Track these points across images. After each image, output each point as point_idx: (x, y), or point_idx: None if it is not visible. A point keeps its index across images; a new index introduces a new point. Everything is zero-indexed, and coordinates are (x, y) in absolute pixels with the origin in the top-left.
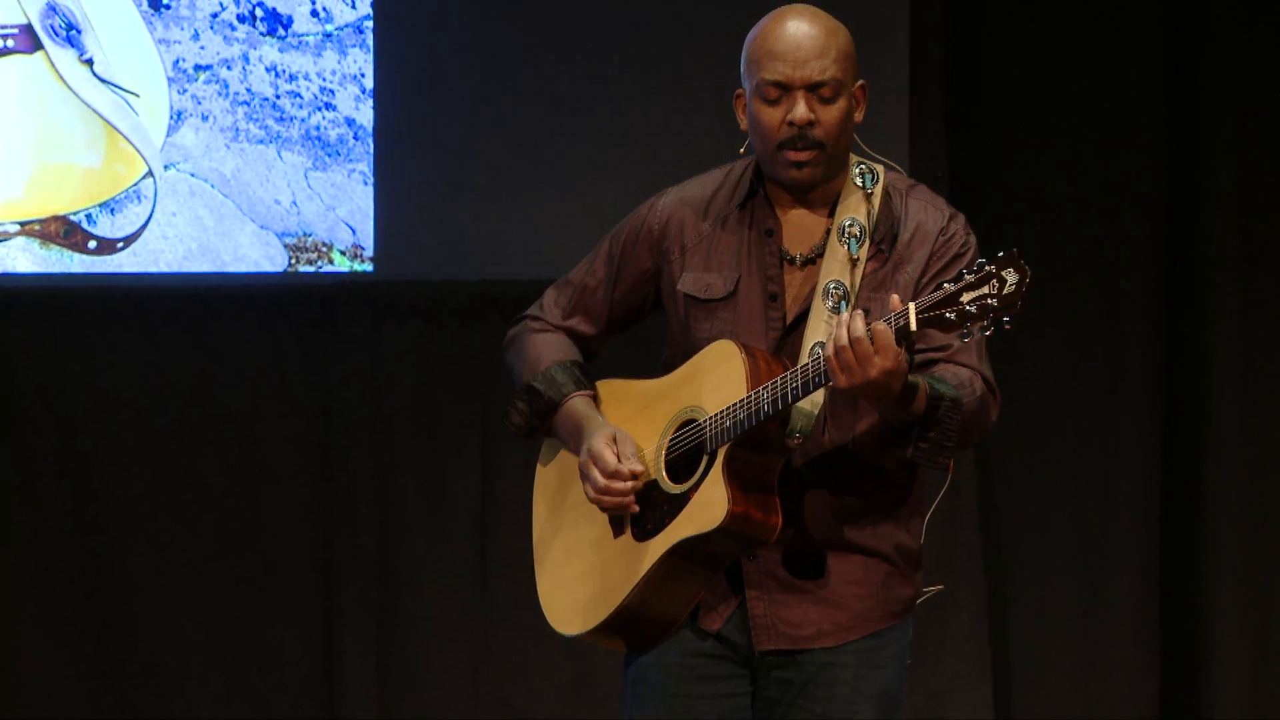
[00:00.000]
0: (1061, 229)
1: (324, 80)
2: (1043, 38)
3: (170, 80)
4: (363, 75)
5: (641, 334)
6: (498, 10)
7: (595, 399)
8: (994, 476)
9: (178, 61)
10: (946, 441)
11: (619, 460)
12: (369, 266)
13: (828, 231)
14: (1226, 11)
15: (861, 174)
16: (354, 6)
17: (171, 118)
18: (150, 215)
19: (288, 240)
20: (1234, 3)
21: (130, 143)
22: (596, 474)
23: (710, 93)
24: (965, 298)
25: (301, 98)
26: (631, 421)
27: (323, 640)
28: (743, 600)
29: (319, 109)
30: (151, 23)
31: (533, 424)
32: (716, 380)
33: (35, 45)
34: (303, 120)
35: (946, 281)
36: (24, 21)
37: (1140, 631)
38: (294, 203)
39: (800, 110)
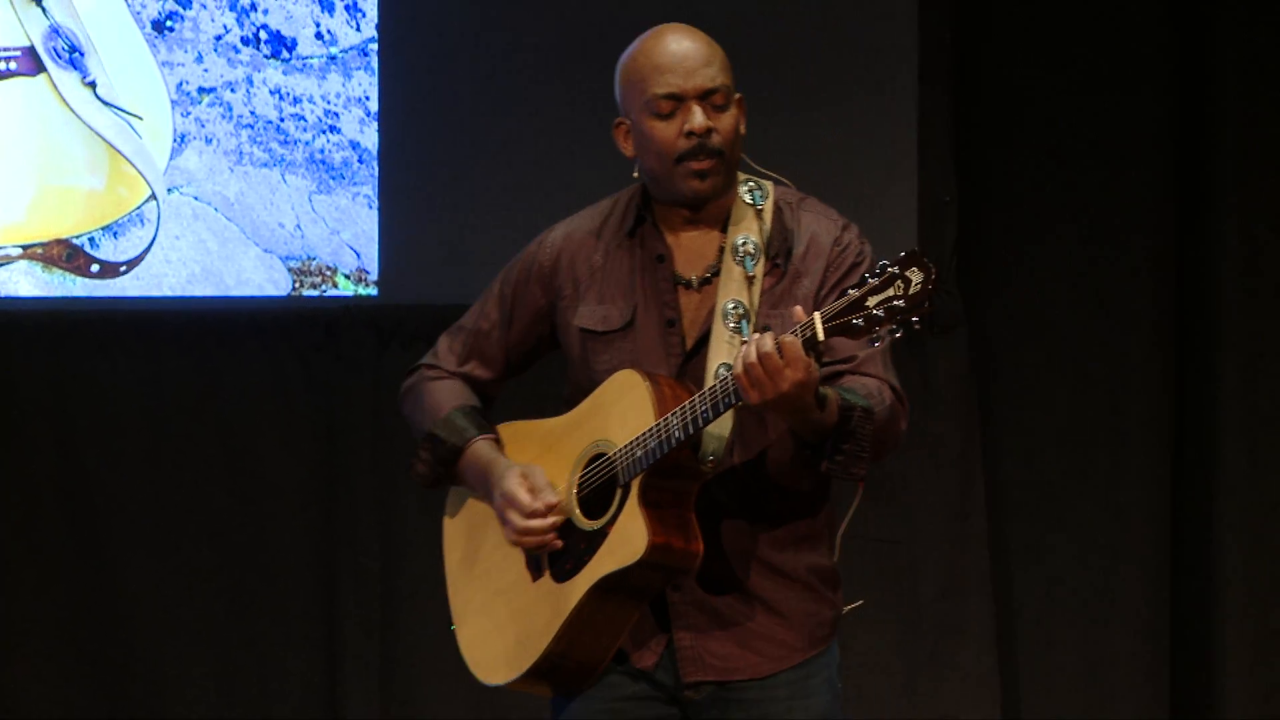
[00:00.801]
0: (1070, 250)
1: (328, 103)
2: (1050, 60)
3: (174, 103)
4: (367, 98)
5: (543, 372)
6: (504, 32)
7: (498, 442)
8: (1004, 504)
9: (181, 84)
10: (861, 452)
11: (533, 496)
12: (373, 290)
13: (721, 250)
14: (1233, 32)
15: (750, 190)
16: (359, 29)
17: (175, 140)
18: (153, 239)
19: (291, 264)
20: (1241, 25)
21: (133, 165)
22: (515, 515)
23: None
24: (870, 302)
25: (306, 121)
26: (538, 461)
27: (325, 660)
28: (671, 635)
29: (323, 132)
30: (155, 45)
31: (437, 472)
32: (622, 411)
33: (38, 68)
34: (307, 143)
35: (850, 288)
36: (27, 44)
37: (1151, 666)
38: (298, 226)
39: (699, 118)
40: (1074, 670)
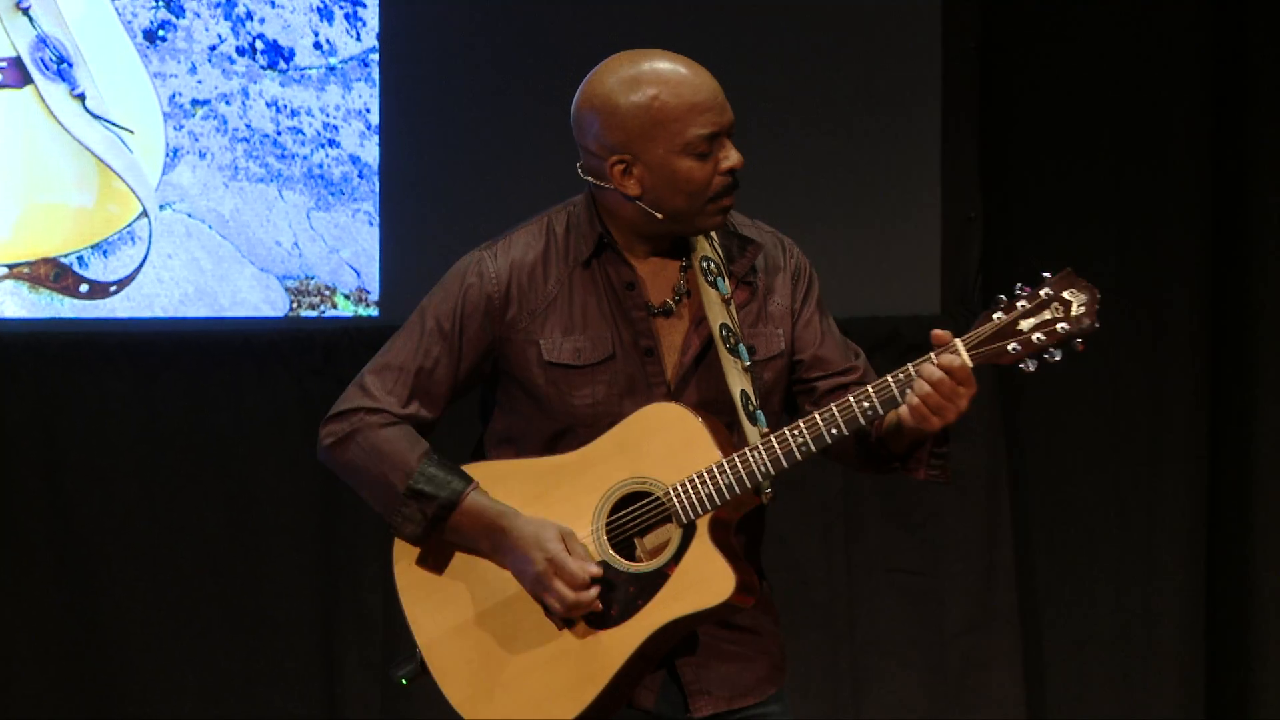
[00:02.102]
0: (1101, 268)
1: (327, 116)
2: (1079, 71)
3: (166, 116)
4: (368, 110)
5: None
6: (511, 41)
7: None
8: (1032, 532)
9: (174, 96)
10: (950, 452)
11: (584, 567)
12: (374, 311)
13: (681, 270)
14: (1271, 42)
15: None
16: (359, 39)
17: (167, 155)
18: (145, 257)
19: (289, 284)
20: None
21: (124, 181)
22: (564, 589)
23: None
24: (1024, 325)
25: (304, 134)
26: (540, 502)
27: (325, 702)
28: (671, 669)
29: (322, 146)
30: (147, 56)
31: (428, 531)
32: (668, 446)
33: (25, 79)
34: (305, 158)
35: (996, 312)
36: (13, 55)
37: (1187, 702)
38: (295, 244)
39: (735, 155)
40: (1106, 707)
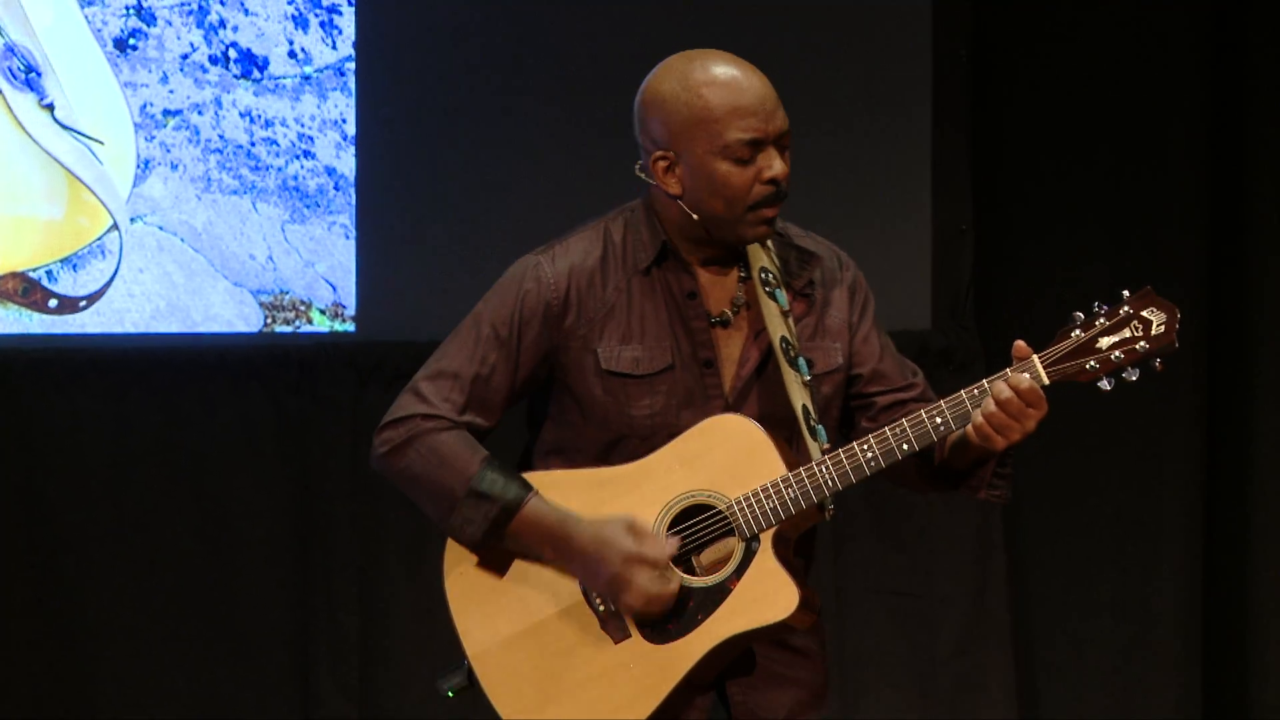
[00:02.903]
0: (1096, 282)
1: (302, 126)
2: (1074, 80)
3: (137, 126)
4: (344, 121)
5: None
6: (491, 49)
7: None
8: (1023, 554)
9: (145, 106)
10: (1011, 472)
11: (659, 548)
12: (351, 326)
13: (741, 280)
14: (1270, 53)
15: None
16: (334, 47)
17: (138, 167)
18: (115, 272)
19: (263, 298)
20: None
21: (94, 194)
22: (645, 581)
23: None
24: (1103, 343)
25: (278, 145)
26: (599, 513)
27: None
28: (721, 690)
29: (297, 157)
30: (117, 65)
31: (489, 534)
32: (731, 459)
33: None
34: (279, 169)
35: (1075, 329)
36: None
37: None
38: (270, 258)
39: (779, 165)
40: None
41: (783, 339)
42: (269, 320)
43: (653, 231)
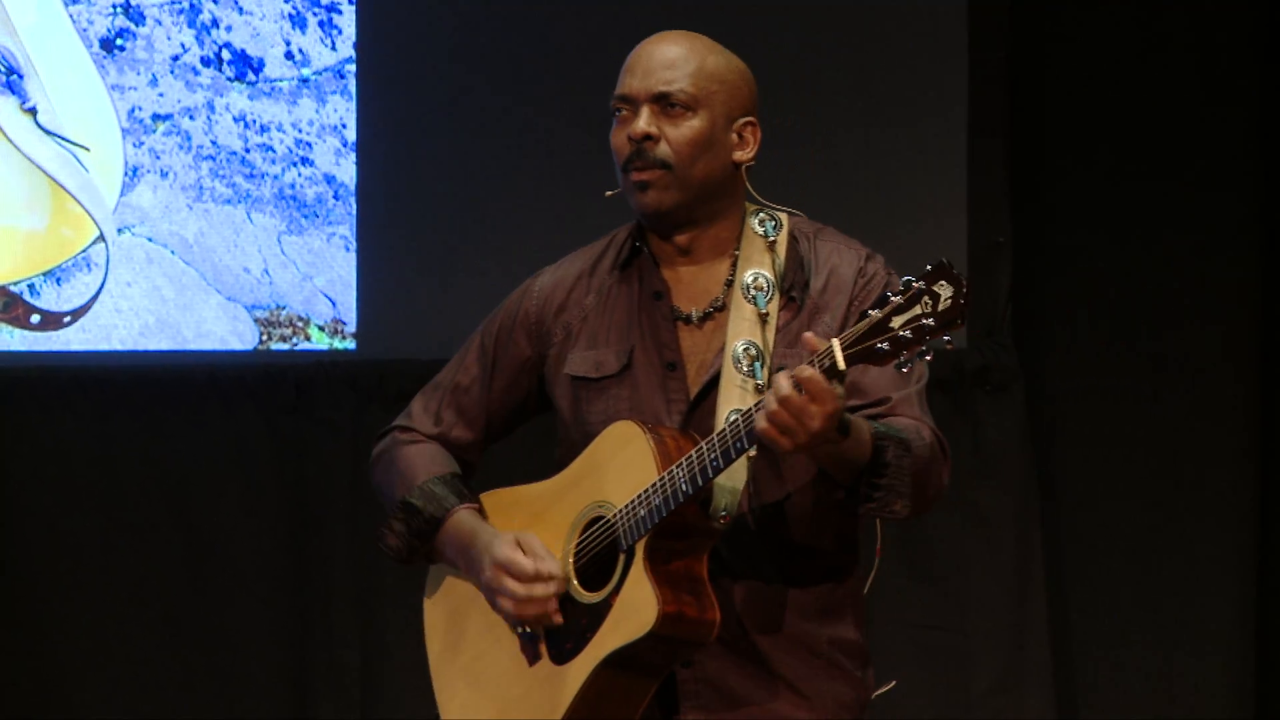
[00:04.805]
0: (1138, 297)
1: (300, 132)
2: (1115, 86)
3: (125, 132)
4: (344, 126)
5: (533, 434)
6: (497, 50)
7: (482, 513)
8: (1065, 585)
9: (133, 110)
10: (900, 486)
11: (532, 561)
12: (351, 344)
13: (727, 283)
14: None
15: (762, 222)
16: (334, 48)
17: (126, 174)
18: (101, 286)
19: (258, 314)
20: None
21: (79, 203)
22: (512, 584)
23: None
24: (895, 323)
25: (274, 151)
26: (532, 529)
27: None
28: (679, 718)
29: (294, 164)
30: (104, 67)
31: (412, 545)
32: (620, 467)
33: None
34: (276, 177)
35: (870, 309)
36: None
37: None
38: (265, 271)
39: (640, 123)
40: None
41: (747, 343)
42: (264, 337)
43: (631, 231)
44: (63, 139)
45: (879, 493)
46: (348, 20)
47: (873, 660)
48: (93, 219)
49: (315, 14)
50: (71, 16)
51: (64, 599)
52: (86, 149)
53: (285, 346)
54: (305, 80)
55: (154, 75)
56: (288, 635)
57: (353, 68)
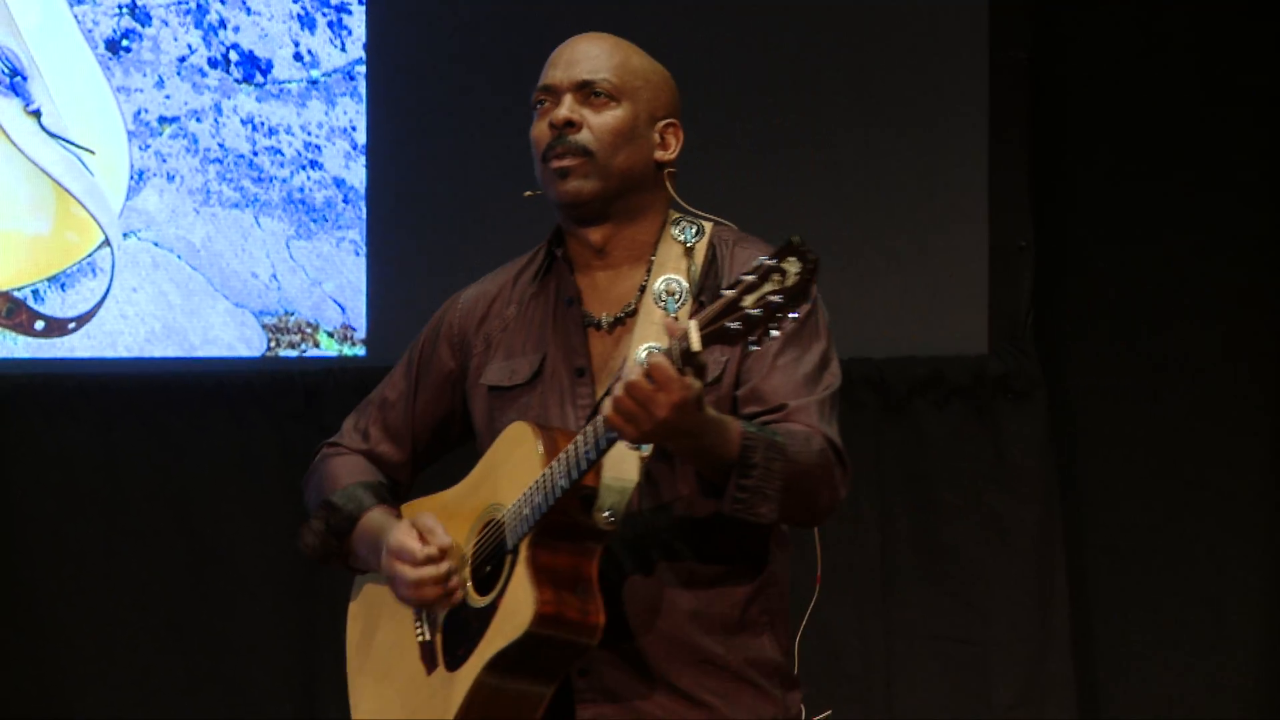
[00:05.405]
0: (1163, 301)
1: (309, 134)
2: (1139, 86)
3: (131, 135)
4: (354, 128)
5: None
6: (510, 52)
7: (400, 517)
8: (1089, 596)
9: (139, 113)
10: (766, 489)
11: (425, 542)
12: (361, 350)
13: (641, 289)
14: None
15: (683, 229)
16: (344, 49)
17: (132, 178)
18: (107, 291)
19: (266, 320)
20: None
21: (84, 207)
22: (404, 568)
23: (727, 160)
24: (746, 301)
25: (283, 155)
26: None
27: None
28: None
29: (303, 168)
30: (109, 68)
31: (328, 544)
32: (511, 468)
33: None
34: (284, 181)
35: (725, 289)
36: None
37: None
38: (274, 276)
39: (563, 110)
40: None
41: (652, 347)
42: (273, 344)
43: (550, 237)
44: (67, 142)
45: (743, 494)
46: (358, 21)
47: (801, 685)
48: (98, 223)
49: (325, 14)
50: (76, 17)
51: (68, 607)
52: (92, 152)
53: (294, 353)
54: (314, 82)
55: (160, 77)
56: (294, 643)
57: (363, 69)
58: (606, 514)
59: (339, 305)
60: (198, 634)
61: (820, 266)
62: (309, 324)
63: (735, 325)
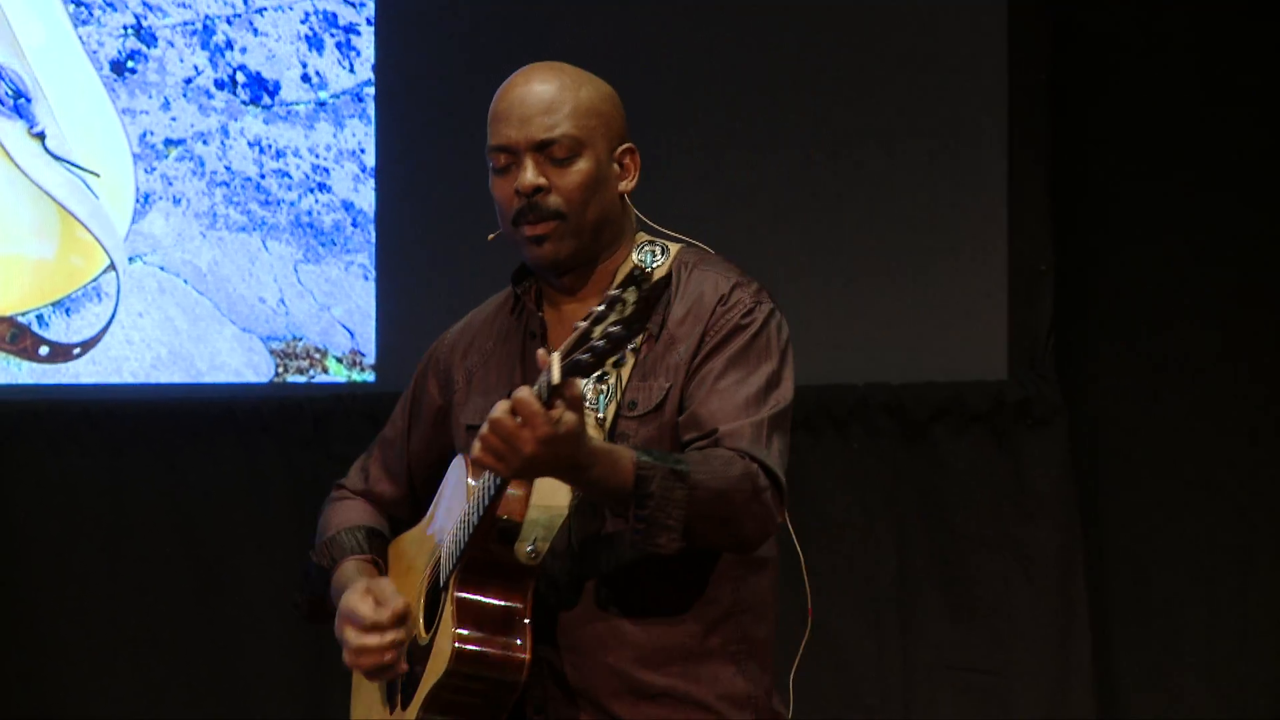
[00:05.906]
0: (1187, 327)
1: (317, 157)
2: (1163, 107)
3: (136, 157)
4: (362, 151)
5: None
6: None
7: (377, 564)
8: (1111, 627)
9: (145, 135)
10: (666, 519)
11: (376, 609)
12: (370, 376)
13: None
14: None
15: (650, 253)
16: (352, 71)
17: (137, 201)
18: (112, 316)
19: (274, 345)
20: None
21: (89, 231)
22: (350, 632)
23: (745, 185)
24: (595, 332)
25: (290, 177)
26: (404, 577)
27: None
28: None
29: (311, 190)
30: (115, 90)
31: (312, 604)
32: (450, 501)
33: None
34: (292, 204)
35: (580, 321)
36: None
37: None
38: (281, 301)
39: (526, 176)
40: None
41: (599, 377)
42: (280, 369)
43: (515, 273)
44: (72, 164)
45: (640, 524)
46: (366, 42)
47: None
48: (103, 247)
49: (333, 35)
50: (81, 38)
51: (74, 633)
52: (96, 175)
53: (302, 379)
54: (322, 104)
55: (166, 99)
56: (301, 671)
57: (371, 90)
58: (529, 549)
59: (348, 330)
60: (205, 661)
61: (658, 292)
62: (317, 349)
63: (585, 357)
